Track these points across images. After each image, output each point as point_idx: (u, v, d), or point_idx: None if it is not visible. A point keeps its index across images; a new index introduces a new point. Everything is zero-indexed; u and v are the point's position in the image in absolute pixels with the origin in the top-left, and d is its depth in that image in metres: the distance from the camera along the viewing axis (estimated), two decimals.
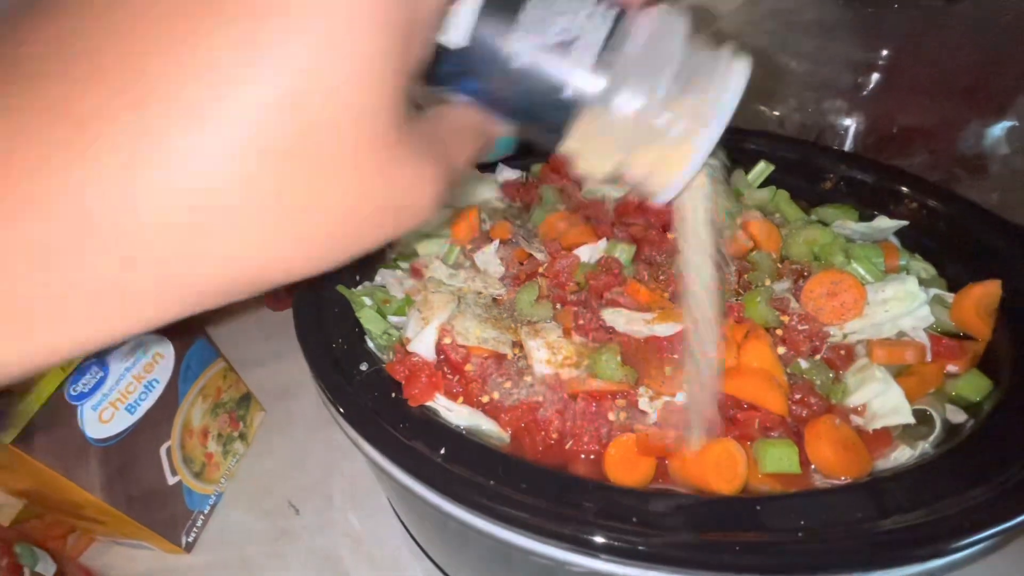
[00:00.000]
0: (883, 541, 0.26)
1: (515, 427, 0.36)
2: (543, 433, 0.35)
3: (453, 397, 0.38)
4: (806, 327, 0.38)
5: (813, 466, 0.33)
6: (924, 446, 0.33)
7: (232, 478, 0.65)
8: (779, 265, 0.44)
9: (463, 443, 0.34)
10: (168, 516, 0.56)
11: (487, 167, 0.61)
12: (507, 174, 0.60)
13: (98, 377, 0.49)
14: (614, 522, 0.28)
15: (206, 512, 0.61)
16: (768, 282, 0.43)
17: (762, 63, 0.72)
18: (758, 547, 0.27)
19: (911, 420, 0.33)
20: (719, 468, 0.31)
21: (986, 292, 0.38)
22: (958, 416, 0.34)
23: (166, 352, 0.57)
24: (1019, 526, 0.27)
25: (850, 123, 0.63)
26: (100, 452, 0.49)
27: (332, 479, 0.65)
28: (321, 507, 0.62)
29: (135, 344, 0.53)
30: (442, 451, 0.33)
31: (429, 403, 0.37)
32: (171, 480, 0.57)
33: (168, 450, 0.57)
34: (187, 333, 0.60)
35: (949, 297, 0.40)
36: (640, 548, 0.27)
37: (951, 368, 0.37)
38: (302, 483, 0.65)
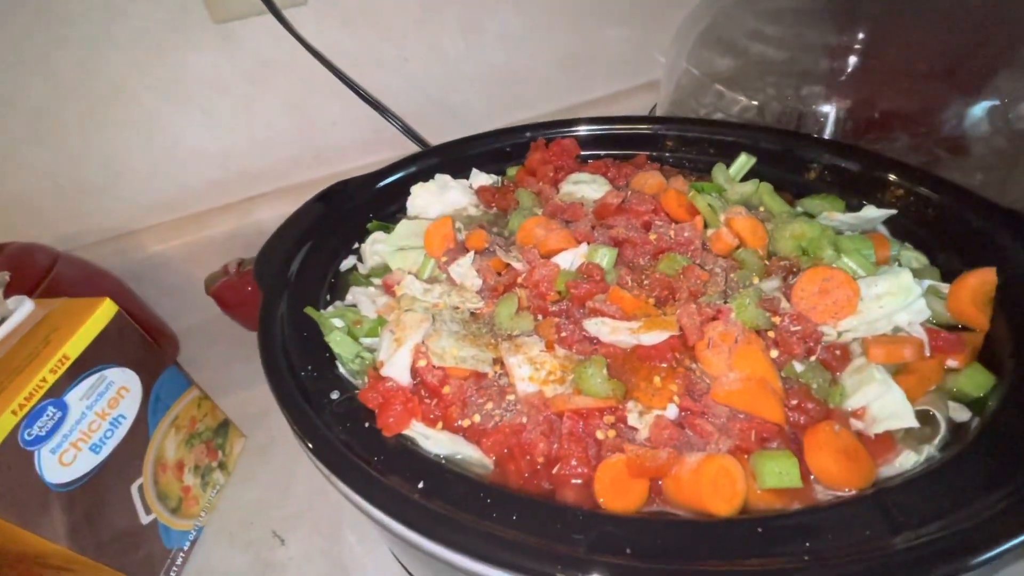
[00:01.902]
0: (898, 561, 0.24)
1: (498, 452, 0.34)
2: (528, 457, 0.33)
3: (431, 423, 0.35)
4: (799, 328, 0.36)
5: (814, 477, 0.31)
6: (929, 450, 0.31)
7: (213, 511, 0.62)
8: (766, 262, 0.42)
9: (444, 475, 0.31)
10: (143, 557, 0.54)
11: (460, 172, 0.59)
12: (481, 179, 0.58)
13: (56, 418, 0.46)
14: (607, 556, 0.26)
15: (186, 549, 0.58)
16: (756, 280, 0.41)
17: (737, 53, 0.70)
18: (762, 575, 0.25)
19: (915, 424, 0.31)
20: (716, 487, 0.29)
21: (982, 281, 0.36)
22: (962, 414, 0.33)
23: (132, 385, 0.54)
24: None
25: (830, 109, 0.62)
26: (63, 498, 0.46)
27: (319, 505, 0.62)
28: (307, 536, 0.60)
29: (97, 379, 0.50)
30: (420, 485, 0.31)
31: (406, 431, 0.35)
32: (145, 519, 0.54)
33: (140, 488, 0.54)
34: (155, 363, 0.57)
35: (944, 288, 0.38)
36: None
37: (951, 363, 0.35)
38: (287, 511, 0.62)
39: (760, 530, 0.26)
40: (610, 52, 0.93)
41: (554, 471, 0.33)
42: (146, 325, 0.78)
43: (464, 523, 0.28)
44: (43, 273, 0.67)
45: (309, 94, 0.80)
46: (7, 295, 0.53)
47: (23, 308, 0.52)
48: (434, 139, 0.90)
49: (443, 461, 0.33)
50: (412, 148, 0.85)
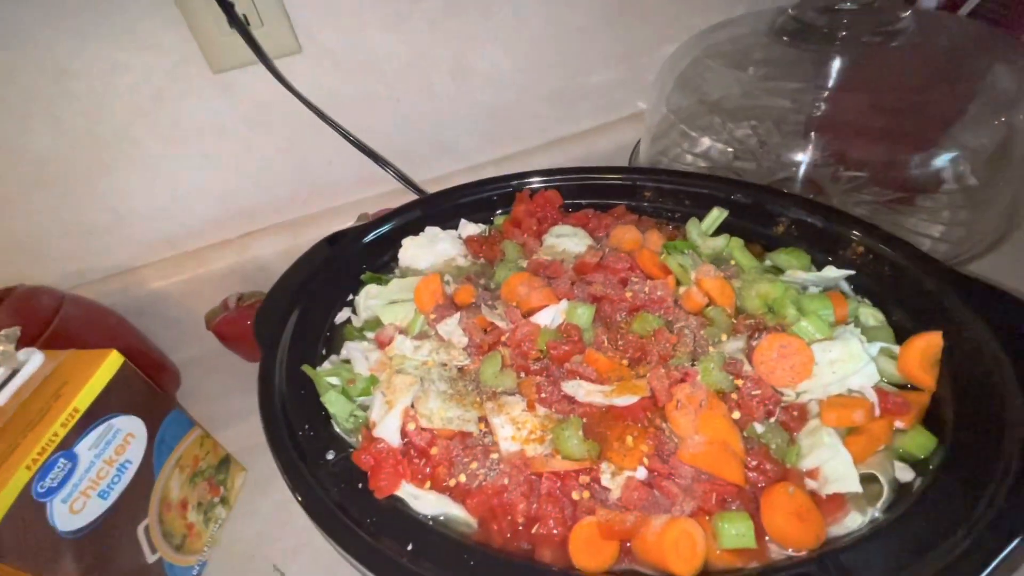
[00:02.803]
0: None
1: (482, 512, 0.36)
2: (509, 518, 0.36)
3: (420, 483, 0.38)
4: (759, 392, 0.39)
5: (768, 537, 0.34)
6: (873, 512, 0.34)
7: (215, 545, 0.65)
8: (734, 320, 0.45)
9: (431, 536, 0.34)
10: None
11: (450, 221, 0.62)
12: (470, 229, 0.61)
13: (66, 469, 0.49)
14: None
15: None
16: (724, 338, 0.44)
17: (711, 100, 0.73)
18: None
19: (859, 489, 0.34)
20: (678, 549, 0.32)
21: (929, 344, 0.39)
22: (906, 474, 0.35)
23: (137, 431, 0.56)
24: None
25: (802, 157, 0.65)
26: (73, 544, 0.49)
27: (318, 538, 0.64)
28: (307, 569, 0.62)
29: (104, 429, 0.53)
30: (409, 547, 0.33)
31: (396, 492, 0.37)
32: (151, 558, 0.56)
33: (146, 528, 0.57)
34: (159, 408, 0.59)
35: (896, 349, 0.41)
36: None
37: (898, 424, 0.38)
38: (287, 544, 0.65)
39: None
40: (595, 89, 0.96)
41: (533, 531, 0.35)
42: (148, 359, 0.81)
43: None
44: (50, 315, 0.70)
45: (305, 135, 0.83)
46: (17, 348, 0.56)
47: (33, 361, 0.54)
48: (425, 173, 0.93)
49: (431, 522, 0.36)
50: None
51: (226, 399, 0.83)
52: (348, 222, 0.83)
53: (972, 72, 0.65)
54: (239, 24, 0.67)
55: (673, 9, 0.88)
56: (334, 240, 0.61)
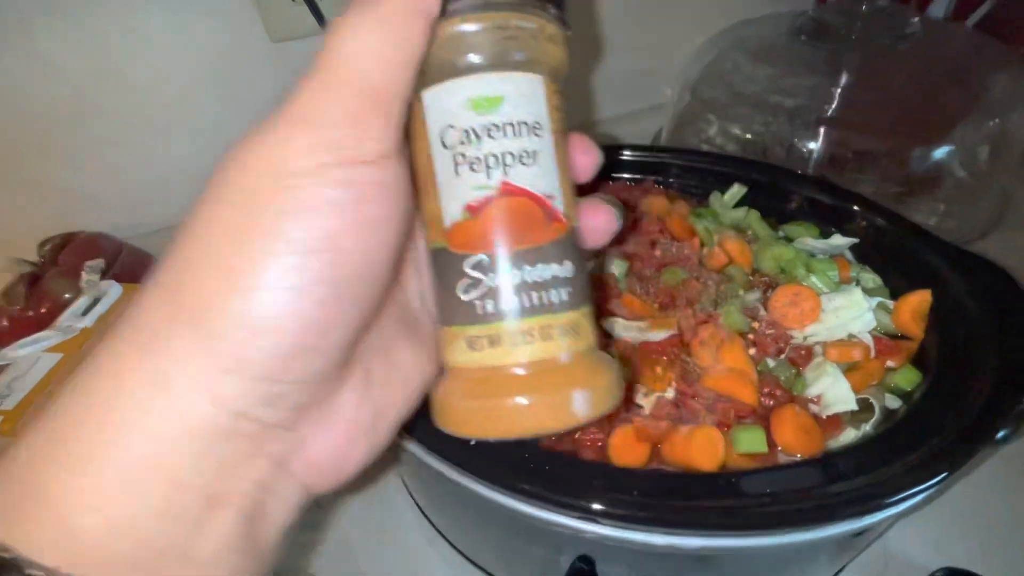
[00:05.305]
0: (831, 501, 0.33)
1: None
2: None
3: None
4: (772, 331, 0.45)
5: (778, 447, 0.40)
6: (865, 428, 0.40)
7: None
8: (751, 277, 0.51)
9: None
10: None
11: None
12: None
13: None
14: (618, 495, 0.35)
15: None
16: (742, 292, 0.50)
17: (733, 90, 0.79)
18: (733, 510, 0.34)
19: (855, 407, 0.40)
20: (702, 450, 0.38)
21: (920, 300, 0.45)
22: (894, 403, 0.42)
23: None
24: (934, 486, 0.34)
25: (814, 146, 0.71)
26: None
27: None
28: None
29: None
30: (472, 442, 0.39)
31: None
32: None
33: None
34: None
35: (891, 304, 0.48)
36: (639, 514, 0.34)
37: (890, 364, 0.44)
38: None
39: (733, 480, 0.35)
40: (620, 80, 1.02)
41: (576, 436, 0.41)
42: None
43: (508, 470, 0.37)
44: (112, 259, 0.76)
45: None
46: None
47: (114, 291, 0.60)
48: None
49: None
50: None
51: None
52: None
53: (973, 77, 0.72)
54: None
55: (700, 8, 0.94)
56: None
